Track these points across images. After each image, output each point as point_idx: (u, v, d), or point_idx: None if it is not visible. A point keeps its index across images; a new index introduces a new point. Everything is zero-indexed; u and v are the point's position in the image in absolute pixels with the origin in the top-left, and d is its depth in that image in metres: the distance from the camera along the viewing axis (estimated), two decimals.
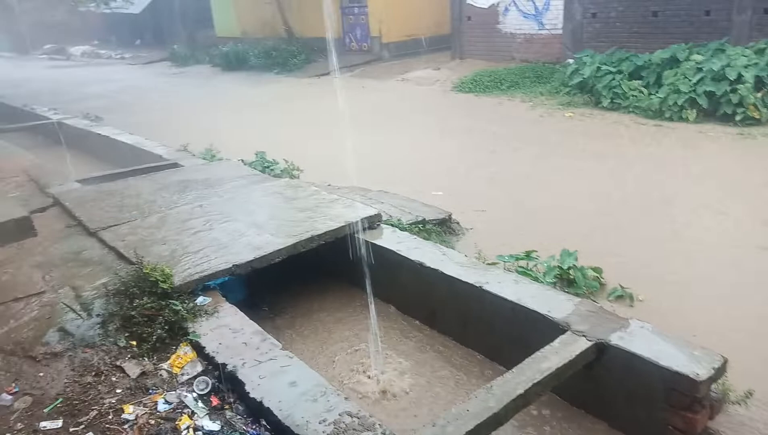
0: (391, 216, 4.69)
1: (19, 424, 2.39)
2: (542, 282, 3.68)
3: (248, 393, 2.52)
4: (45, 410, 2.45)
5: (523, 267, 4.03)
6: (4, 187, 5.45)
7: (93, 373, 2.69)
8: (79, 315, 3.07)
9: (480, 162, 7.20)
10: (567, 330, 2.82)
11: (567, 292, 3.49)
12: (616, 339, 2.70)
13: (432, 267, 3.58)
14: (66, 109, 10.74)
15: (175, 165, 6.35)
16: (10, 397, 2.50)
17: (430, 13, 16.22)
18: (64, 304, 3.14)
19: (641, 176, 6.31)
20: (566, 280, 4.00)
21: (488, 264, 3.82)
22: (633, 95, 9.16)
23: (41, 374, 2.68)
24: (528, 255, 4.16)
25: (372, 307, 3.66)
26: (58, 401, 2.50)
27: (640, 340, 2.69)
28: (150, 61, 21.44)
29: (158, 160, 6.70)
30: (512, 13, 13.13)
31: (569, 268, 4.03)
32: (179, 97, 13.67)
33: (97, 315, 3.07)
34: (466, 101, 11.15)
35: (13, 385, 2.58)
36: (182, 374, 2.73)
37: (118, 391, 2.60)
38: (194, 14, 22.66)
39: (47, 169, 6.12)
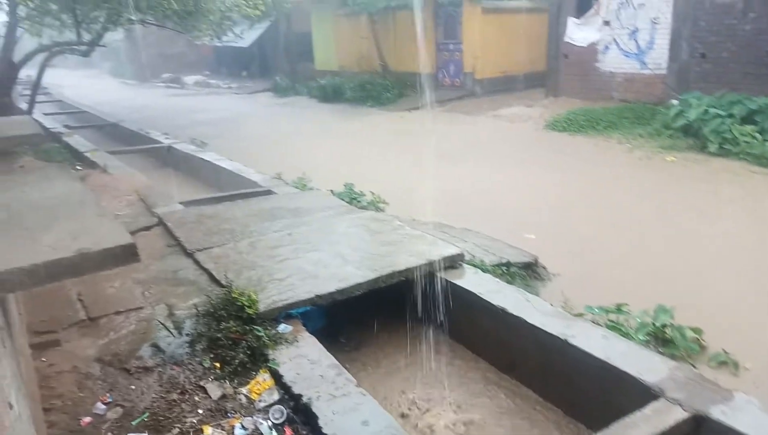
0: (474, 256, 4.61)
1: (110, 433, 2.54)
2: (633, 339, 3.45)
3: (321, 428, 2.53)
4: (133, 423, 2.59)
5: (612, 321, 3.80)
6: (117, 205, 5.95)
7: (178, 391, 2.82)
8: (171, 333, 3.25)
9: (572, 204, 6.95)
10: (660, 396, 2.61)
11: (661, 353, 3.24)
12: (717, 413, 2.46)
13: (514, 314, 3.46)
14: (176, 134, 11.61)
15: (268, 192, 6.65)
16: (104, 406, 2.68)
17: (525, 51, 16.11)
18: (159, 321, 3.34)
19: (753, 230, 5.80)
20: (661, 339, 3.72)
21: (575, 315, 3.64)
22: (745, 141, 8.51)
23: (133, 387, 2.84)
24: (619, 308, 3.92)
25: (448, 349, 3.59)
26: (145, 415, 2.64)
27: (745, 416, 2.43)
28: (254, 91, 22.80)
29: (254, 186, 7.06)
30: (612, 51, 12.75)
31: (665, 326, 3.75)
32: (277, 126, 14.39)
33: (187, 334, 3.23)
34: (559, 140, 10.87)
35: (108, 395, 2.76)
36: (260, 401, 2.80)
37: (200, 411, 2.70)
38: (297, 48, 23.95)
39: (155, 190, 6.62)
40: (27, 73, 12.37)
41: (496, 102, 14.81)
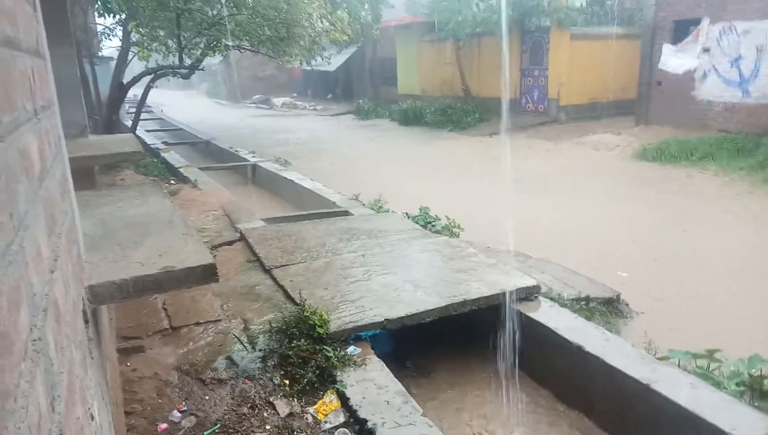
0: (551, 288, 4.45)
1: None
2: (725, 389, 3.17)
3: None
4: (205, 433, 2.68)
5: (702, 368, 3.51)
6: (204, 219, 6.28)
7: (249, 405, 2.90)
8: (245, 347, 3.35)
9: (662, 239, 6.56)
10: None
11: (758, 408, 2.95)
12: None
13: (592, 353, 3.30)
14: (262, 153, 12.15)
15: (345, 213, 6.77)
16: (179, 414, 2.79)
17: (614, 77, 15.56)
18: (234, 335, 3.47)
19: None
20: (758, 391, 3.39)
21: (659, 358, 3.40)
22: None
23: (207, 397, 2.95)
24: (711, 354, 3.62)
25: (519, 383, 3.46)
26: (216, 426, 2.72)
27: None
28: (337, 113, 23.50)
29: (332, 206, 7.22)
30: (711, 79, 12.04)
31: (764, 378, 3.42)
32: (358, 148, 14.71)
33: (260, 350, 3.33)
34: (649, 170, 10.35)
35: (183, 403, 2.88)
36: (325, 422, 2.82)
37: (268, 427, 2.76)
38: (381, 72, 24.54)
39: (239, 206, 6.93)
40: (133, 92, 13.46)
41: (581, 129, 14.36)
